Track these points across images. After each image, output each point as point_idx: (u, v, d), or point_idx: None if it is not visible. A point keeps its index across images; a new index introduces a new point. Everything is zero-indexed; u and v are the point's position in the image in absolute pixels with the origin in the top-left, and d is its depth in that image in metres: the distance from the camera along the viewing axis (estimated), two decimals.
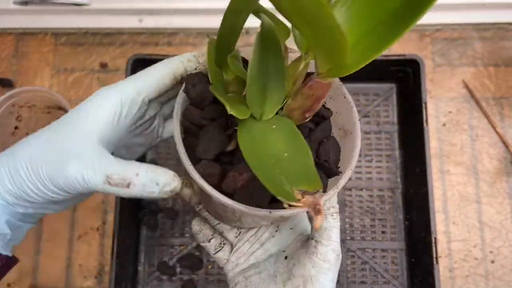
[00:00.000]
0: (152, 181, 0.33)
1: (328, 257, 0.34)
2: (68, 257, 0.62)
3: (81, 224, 0.63)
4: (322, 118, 0.33)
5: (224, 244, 0.40)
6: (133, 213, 0.60)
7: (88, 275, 0.61)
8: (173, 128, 0.32)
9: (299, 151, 0.27)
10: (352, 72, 0.24)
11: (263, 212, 0.28)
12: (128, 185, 0.32)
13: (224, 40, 0.29)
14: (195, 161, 0.31)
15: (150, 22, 0.69)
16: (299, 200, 0.23)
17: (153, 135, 0.41)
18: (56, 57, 0.69)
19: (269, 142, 0.27)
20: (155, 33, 0.70)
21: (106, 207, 0.63)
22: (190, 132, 0.34)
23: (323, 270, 0.34)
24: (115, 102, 0.33)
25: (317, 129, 0.33)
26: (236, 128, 0.29)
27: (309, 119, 0.30)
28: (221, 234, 0.41)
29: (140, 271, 0.61)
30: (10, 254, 0.34)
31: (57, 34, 0.70)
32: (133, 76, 0.35)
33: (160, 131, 0.42)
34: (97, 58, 0.69)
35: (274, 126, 0.28)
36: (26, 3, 0.69)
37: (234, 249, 0.40)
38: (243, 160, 0.26)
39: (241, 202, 0.29)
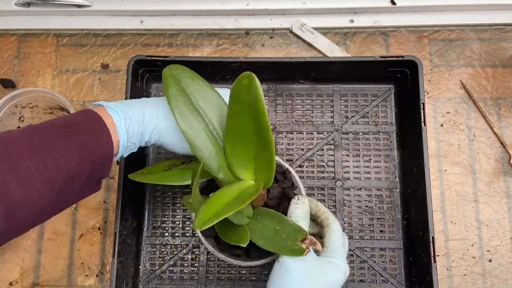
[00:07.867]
0: None
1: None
2: (70, 256, 0.62)
3: (82, 224, 0.63)
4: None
5: None
6: (134, 212, 0.61)
7: (89, 273, 0.62)
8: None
9: (281, 221, 0.46)
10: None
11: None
12: None
13: None
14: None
15: (151, 24, 0.70)
16: (305, 247, 0.42)
17: None
18: (58, 58, 0.70)
19: (264, 225, 0.46)
20: (156, 34, 0.70)
21: (107, 206, 0.64)
22: None
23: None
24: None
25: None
26: None
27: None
28: None
29: (141, 270, 0.62)
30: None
31: (59, 35, 0.70)
32: None
33: None
34: (99, 59, 0.69)
35: (259, 217, 0.47)
36: (28, 5, 0.70)
37: None
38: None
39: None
